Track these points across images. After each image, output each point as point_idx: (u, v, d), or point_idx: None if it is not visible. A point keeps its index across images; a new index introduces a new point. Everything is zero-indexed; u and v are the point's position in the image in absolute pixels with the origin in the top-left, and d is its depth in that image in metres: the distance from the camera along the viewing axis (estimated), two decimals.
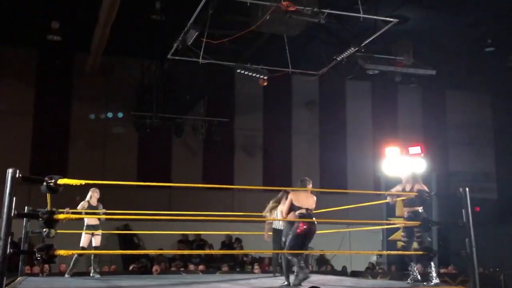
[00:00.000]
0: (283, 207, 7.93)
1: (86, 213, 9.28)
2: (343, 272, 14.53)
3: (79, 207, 9.37)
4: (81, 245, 9.47)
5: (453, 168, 20.29)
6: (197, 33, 10.05)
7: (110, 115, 16.64)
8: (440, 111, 20.89)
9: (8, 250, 5.29)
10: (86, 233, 9.49)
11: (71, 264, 9.74)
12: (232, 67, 11.82)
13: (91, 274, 9.66)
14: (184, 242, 16.11)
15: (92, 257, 9.81)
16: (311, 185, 7.63)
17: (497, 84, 18.98)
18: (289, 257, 7.33)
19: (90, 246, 9.57)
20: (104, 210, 9.70)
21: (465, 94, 20.72)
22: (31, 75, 16.70)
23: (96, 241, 9.64)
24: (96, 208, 9.57)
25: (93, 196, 9.58)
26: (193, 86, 14.64)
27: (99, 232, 9.66)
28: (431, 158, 16.69)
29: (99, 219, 9.70)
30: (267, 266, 14.71)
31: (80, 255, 9.31)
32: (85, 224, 9.53)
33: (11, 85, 16.36)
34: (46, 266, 11.77)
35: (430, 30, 14.45)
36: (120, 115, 16.66)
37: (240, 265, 15.17)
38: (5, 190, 5.31)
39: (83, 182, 6.10)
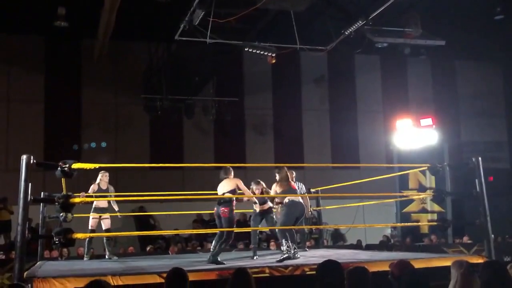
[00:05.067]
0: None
1: (97, 196, 9.36)
2: (358, 246, 14.59)
3: (90, 190, 9.46)
4: (90, 228, 9.55)
5: (465, 138, 20.21)
6: (203, 12, 10.02)
7: (93, 145, 16.59)
8: (451, 82, 20.73)
9: (26, 236, 5.40)
10: (93, 217, 9.57)
11: (85, 248, 9.88)
12: (239, 46, 11.78)
13: (106, 257, 9.77)
14: (199, 221, 16.23)
15: (104, 240, 9.89)
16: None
17: (507, 52, 18.79)
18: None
19: (100, 229, 9.67)
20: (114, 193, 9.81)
21: (475, 63, 20.54)
22: (40, 63, 16.75)
23: (106, 224, 9.71)
24: (106, 191, 9.65)
25: (102, 179, 9.66)
26: (202, 67, 14.61)
27: (107, 215, 9.74)
28: (443, 129, 16.65)
29: (109, 201, 9.80)
30: None
31: (91, 237, 9.36)
32: (93, 206, 9.61)
33: (21, 74, 16.43)
34: (65, 249, 11.93)
35: (437, 0, 14.29)
36: (93, 145, 16.61)
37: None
38: (20, 176, 5.40)
39: (96, 165, 6.19)
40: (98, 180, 9.66)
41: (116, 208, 9.85)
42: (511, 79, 20.66)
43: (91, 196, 9.22)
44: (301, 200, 8.12)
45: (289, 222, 7.86)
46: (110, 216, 9.82)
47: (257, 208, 8.72)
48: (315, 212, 10.74)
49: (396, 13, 12.76)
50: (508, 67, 20.65)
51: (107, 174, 9.69)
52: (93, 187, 9.58)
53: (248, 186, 8.49)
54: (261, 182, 8.70)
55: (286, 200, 8.00)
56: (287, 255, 7.59)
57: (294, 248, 7.82)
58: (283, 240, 7.79)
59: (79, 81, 17.07)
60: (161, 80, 15.38)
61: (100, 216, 9.63)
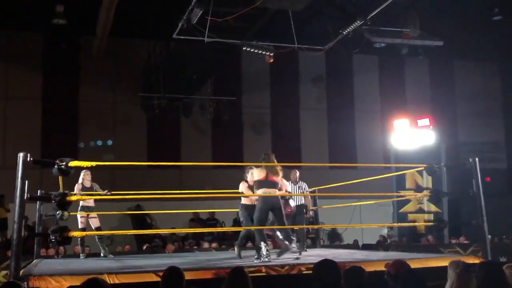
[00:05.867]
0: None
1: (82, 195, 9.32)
2: (354, 246, 14.61)
3: (75, 190, 9.43)
4: (80, 226, 9.54)
5: (462, 138, 20.24)
6: (201, 11, 10.01)
7: (81, 145, 16.61)
8: (448, 82, 20.75)
9: (22, 233, 5.38)
10: (81, 215, 9.55)
11: (80, 246, 9.89)
12: (238, 45, 11.78)
13: (101, 255, 9.77)
14: (196, 220, 16.23)
15: (96, 239, 9.89)
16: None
17: (505, 53, 18.82)
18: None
19: (90, 227, 9.67)
20: (105, 191, 9.77)
21: (473, 64, 20.55)
22: (38, 60, 16.73)
23: (94, 222, 9.71)
24: (90, 189, 9.62)
25: (85, 178, 9.63)
26: (200, 65, 14.60)
27: (95, 214, 9.73)
28: (440, 130, 16.69)
29: (95, 200, 9.80)
30: None
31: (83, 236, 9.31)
32: (80, 205, 9.60)
33: (18, 71, 16.42)
34: (61, 248, 11.91)
35: (436, 0, 14.31)
36: (99, 142, 16.66)
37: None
38: (17, 174, 5.39)
39: (94, 163, 6.17)
40: (80, 180, 9.62)
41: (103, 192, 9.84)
42: (508, 79, 20.69)
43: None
44: (271, 192, 7.64)
45: (262, 219, 7.64)
46: (105, 214, 9.85)
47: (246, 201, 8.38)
48: (311, 211, 10.75)
49: (395, 13, 12.76)
50: (505, 67, 20.68)
51: (89, 172, 9.64)
52: (77, 187, 9.55)
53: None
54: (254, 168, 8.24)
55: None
56: (267, 258, 7.37)
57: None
58: (262, 243, 7.50)
59: (77, 79, 17.04)
60: (159, 78, 15.37)
61: (88, 215, 9.62)
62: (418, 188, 15.57)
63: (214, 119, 17.15)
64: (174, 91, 15.73)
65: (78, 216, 9.55)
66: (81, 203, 9.52)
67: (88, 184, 9.66)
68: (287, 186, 8.58)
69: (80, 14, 14.41)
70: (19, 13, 14.84)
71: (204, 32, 10.39)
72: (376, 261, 6.70)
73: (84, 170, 9.51)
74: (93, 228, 9.70)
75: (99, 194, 9.59)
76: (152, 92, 15.81)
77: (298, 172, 9.84)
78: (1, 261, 11.03)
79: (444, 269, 5.12)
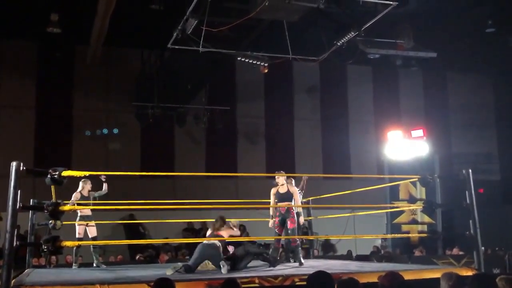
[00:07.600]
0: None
1: (79, 204, 9.27)
2: (348, 257, 14.58)
3: (73, 198, 9.38)
4: (77, 236, 9.50)
5: (456, 150, 20.30)
6: (196, 21, 10.03)
7: (105, 131, 16.68)
8: (442, 94, 20.84)
9: (14, 243, 5.35)
10: (80, 224, 9.51)
11: (73, 256, 9.82)
12: (232, 55, 11.80)
13: (94, 265, 9.70)
14: (190, 230, 16.18)
15: (91, 249, 9.83)
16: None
17: (498, 65, 18.92)
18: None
19: (87, 237, 9.62)
20: (100, 192, 9.76)
21: (466, 75, 20.65)
22: (32, 69, 16.70)
23: (92, 231, 9.65)
24: (88, 198, 9.59)
25: (85, 187, 9.59)
26: (194, 75, 14.62)
27: (93, 223, 9.69)
28: (434, 141, 16.73)
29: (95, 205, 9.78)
30: None
31: (79, 246, 9.25)
32: (79, 215, 9.55)
33: (12, 79, 16.37)
34: (53, 257, 11.83)
35: (430, 12, 14.37)
36: (116, 131, 16.72)
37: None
38: (10, 183, 5.35)
39: (87, 173, 6.15)
40: (80, 188, 9.58)
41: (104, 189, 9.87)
42: (501, 91, 20.79)
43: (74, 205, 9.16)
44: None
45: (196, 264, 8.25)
46: (98, 223, 9.80)
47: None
48: (305, 222, 10.73)
49: (389, 25, 12.82)
50: (498, 79, 20.79)
51: (89, 181, 9.61)
52: (76, 195, 9.50)
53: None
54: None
55: None
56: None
57: None
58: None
59: (71, 87, 17.01)
60: (153, 87, 15.37)
61: (87, 224, 9.58)
62: (412, 199, 15.57)
63: (208, 128, 17.14)
64: (168, 100, 15.73)
65: (76, 225, 9.50)
66: (79, 212, 9.48)
67: (86, 193, 9.63)
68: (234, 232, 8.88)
69: (74, 23, 14.39)
70: (13, 21, 14.81)
71: (199, 42, 10.41)
72: (370, 273, 6.68)
73: (84, 179, 9.48)
74: (90, 237, 9.64)
75: (97, 204, 9.56)
76: (146, 101, 15.80)
77: (293, 180, 9.86)
78: None
79: (437, 280, 5.12)
